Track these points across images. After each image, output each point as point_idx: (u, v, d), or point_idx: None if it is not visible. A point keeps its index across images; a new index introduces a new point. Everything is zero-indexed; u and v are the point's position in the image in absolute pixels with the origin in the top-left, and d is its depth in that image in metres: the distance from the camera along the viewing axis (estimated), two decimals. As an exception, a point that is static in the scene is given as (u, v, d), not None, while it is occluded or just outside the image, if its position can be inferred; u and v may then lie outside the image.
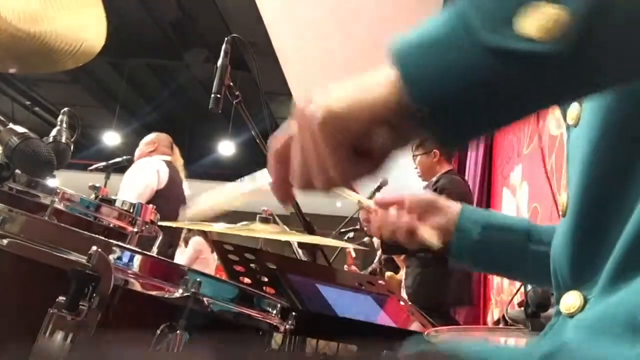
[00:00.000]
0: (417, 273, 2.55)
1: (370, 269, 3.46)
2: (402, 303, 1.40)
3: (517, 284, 1.58)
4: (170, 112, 8.90)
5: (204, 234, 4.29)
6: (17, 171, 0.91)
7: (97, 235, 0.67)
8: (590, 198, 0.51)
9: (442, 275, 2.47)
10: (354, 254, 3.45)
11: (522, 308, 1.04)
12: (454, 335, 0.97)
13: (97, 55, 1.13)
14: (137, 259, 0.67)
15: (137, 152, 3.42)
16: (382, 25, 5.15)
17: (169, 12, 6.72)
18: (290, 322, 0.85)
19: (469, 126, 0.40)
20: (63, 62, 1.10)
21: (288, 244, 2.00)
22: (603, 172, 0.50)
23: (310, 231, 1.63)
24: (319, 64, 6.01)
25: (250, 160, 9.60)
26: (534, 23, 0.34)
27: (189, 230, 4.36)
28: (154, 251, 1.29)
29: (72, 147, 1.10)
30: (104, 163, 3.44)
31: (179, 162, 3.48)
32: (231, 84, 1.55)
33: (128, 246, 0.68)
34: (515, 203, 3.58)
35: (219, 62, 1.54)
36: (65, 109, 1.16)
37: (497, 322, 2.89)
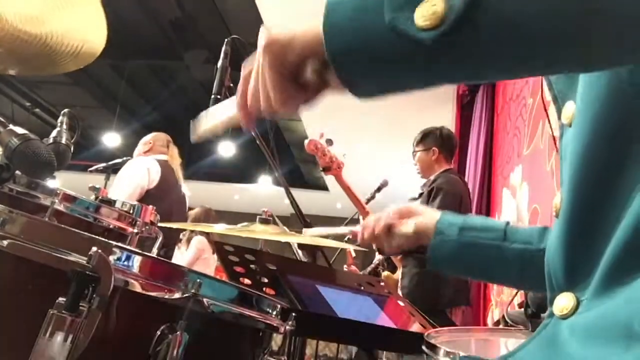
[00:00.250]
0: (414, 273, 2.54)
1: (369, 268, 3.46)
2: (401, 304, 1.40)
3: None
4: (170, 113, 8.90)
5: (207, 233, 4.29)
6: (17, 172, 0.91)
7: (97, 236, 0.67)
8: (582, 200, 0.51)
9: (439, 275, 2.46)
10: (354, 254, 3.44)
11: (522, 309, 1.05)
12: (454, 336, 0.97)
13: (98, 57, 1.13)
14: (137, 259, 0.67)
15: (135, 152, 3.42)
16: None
17: (169, 13, 6.73)
18: (290, 323, 0.85)
19: (368, 84, 0.47)
20: (64, 64, 1.10)
21: (288, 245, 2.00)
22: (594, 173, 0.50)
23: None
24: (319, 64, 6.01)
25: (250, 161, 9.62)
26: (420, 12, 0.41)
27: (192, 230, 4.37)
28: (154, 252, 1.29)
29: (72, 148, 1.10)
30: (103, 164, 3.44)
31: (176, 161, 3.41)
32: (231, 85, 1.56)
33: (128, 247, 0.68)
34: (515, 204, 3.58)
35: (219, 64, 1.55)
36: (66, 110, 1.16)
37: (497, 323, 2.88)
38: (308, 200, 9.85)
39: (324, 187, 10.15)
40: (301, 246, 2.04)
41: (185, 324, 0.66)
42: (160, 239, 1.31)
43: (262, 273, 1.17)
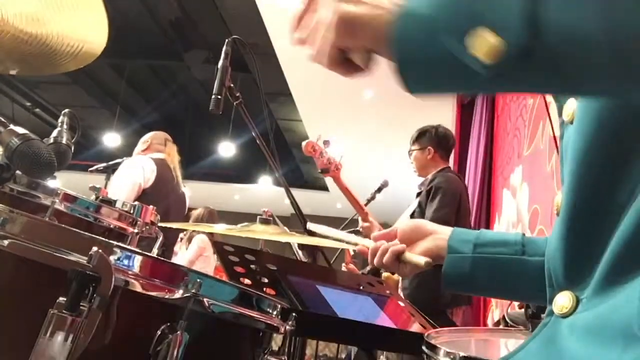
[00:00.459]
0: (415, 274, 2.53)
1: (369, 267, 3.46)
2: (401, 304, 1.40)
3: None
4: (170, 113, 8.91)
5: (209, 232, 4.29)
6: (18, 172, 0.91)
7: (97, 236, 0.67)
8: (583, 197, 0.51)
9: (439, 276, 2.46)
10: (352, 252, 3.44)
11: (523, 309, 1.05)
12: (454, 337, 0.97)
13: (98, 57, 1.13)
14: (138, 259, 0.67)
15: (134, 151, 3.41)
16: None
17: (169, 13, 6.73)
18: (290, 323, 0.85)
19: (424, 86, 0.49)
20: (64, 64, 1.11)
21: (288, 245, 2.01)
22: (596, 170, 0.50)
23: (310, 232, 1.63)
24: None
25: (251, 161, 9.62)
26: (477, 44, 0.42)
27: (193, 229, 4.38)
28: (155, 252, 1.29)
29: (72, 148, 1.10)
30: (104, 164, 3.44)
31: (175, 159, 3.34)
32: (232, 85, 1.56)
33: (128, 247, 0.68)
34: (515, 204, 3.58)
35: (220, 64, 1.55)
36: (66, 110, 1.16)
37: (497, 323, 2.88)
38: (308, 200, 9.85)
39: (324, 187, 10.15)
40: (301, 246, 2.04)
41: (185, 324, 0.66)
42: (160, 239, 1.31)
43: (262, 273, 1.17)
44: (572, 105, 0.56)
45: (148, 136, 3.42)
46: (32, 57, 1.09)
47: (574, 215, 0.52)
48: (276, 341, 0.89)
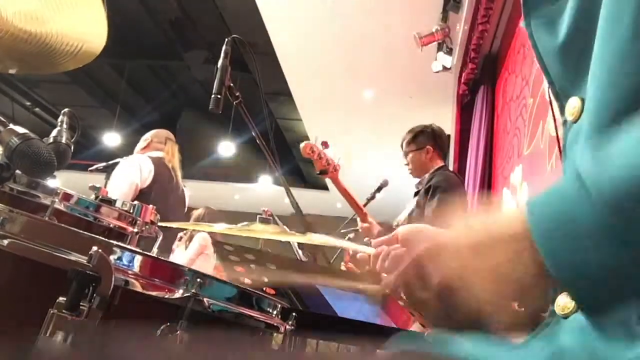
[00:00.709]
0: None
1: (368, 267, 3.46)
2: (401, 304, 1.40)
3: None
4: (170, 113, 8.91)
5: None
6: (18, 172, 0.91)
7: (97, 236, 0.67)
8: None
9: None
10: (351, 252, 3.44)
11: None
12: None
13: (97, 56, 1.13)
14: (138, 259, 0.67)
15: (135, 149, 3.39)
16: (383, 25, 5.16)
17: (169, 13, 6.73)
18: (290, 322, 0.85)
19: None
20: (64, 63, 1.10)
21: (288, 245, 2.01)
22: None
23: (311, 232, 1.63)
24: (319, 64, 6.02)
25: (251, 161, 9.62)
26: None
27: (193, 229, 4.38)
28: (154, 252, 1.29)
29: (72, 148, 1.10)
30: (104, 164, 3.43)
31: (174, 158, 3.30)
32: (231, 84, 1.55)
33: (128, 246, 0.68)
34: (515, 204, 3.58)
35: (219, 63, 1.54)
36: (66, 109, 1.16)
37: (497, 323, 2.88)
38: (308, 200, 9.85)
39: (324, 187, 10.15)
40: (301, 246, 2.04)
41: (185, 324, 0.66)
42: (160, 239, 1.30)
43: (262, 273, 1.17)
44: (574, 104, 0.55)
45: (149, 134, 3.39)
46: (32, 56, 1.09)
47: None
48: (276, 341, 0.89)
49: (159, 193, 3.05)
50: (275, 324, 0.81)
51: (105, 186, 2.91)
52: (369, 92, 6.42)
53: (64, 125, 1.10)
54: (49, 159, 0.82)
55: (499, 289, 0.50)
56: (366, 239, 3.19)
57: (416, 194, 2.69)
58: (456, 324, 0.48)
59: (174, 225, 1.51)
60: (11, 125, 0.83)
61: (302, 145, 2.23)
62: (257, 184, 10.44)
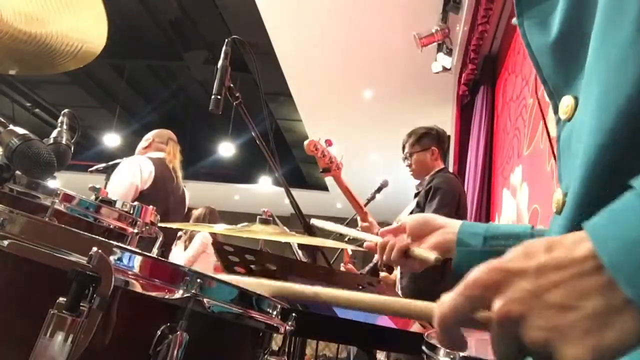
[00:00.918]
0: (412, 273, 2.54)
1: (367, 268, 3.46)
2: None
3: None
4: (170, 113, 8.91)
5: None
6: (18, 172, 0.91)
7: (97, 236, 0.67)
8: (595, 194, 0.49)
9: (437, 275, 2.46)
10: (350, 252, 3.44)
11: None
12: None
13: (97, 57, 1.13)
14: (138, 260, 0.67)
15: (137, 149, 3.38)
16: (383, 26, 5.16)
17: (169, 13, 6.74)
18: (290, 323, 0.85)
19: None
20: (64, 63, 1.10)
21: (288, 245, 2.01)
22: (610, 167, 0.48)
23: (311, 232, 1.63)
24: (319, 64, 6.02)
25: (251, 161, 9.63)
26: None
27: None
28: (155, 252, 1.29)
29: (72, 149, 1.10)
30: (103, 164, 3.43)
31: (175, 159, 3.29)
32: (231, 85, 1.55)
33: (128, 247, 0.68)
34: (515, 204, 3.58)
35: (219, 64, 1.55)
36: (66, 110, 1.16)
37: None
38: (308, 200, 9.85)
39: (324, 187, 10.15)
40: (301, 246, 2.04)
41: (185, 324, 0.66)
42: (160, 239, 1.31)
43: (262, 273, 1.17)
44: (567, 102, 0.54)
45: (151, 134, 3.38)
46: (32, 57, 1.09)
47: (582, 211, 0.49)
48: (276, 341, 0.89)
49: (159, 194, 3.04)
50: (275, 325, 0.81)
51: (105, 187, 2.91)
52: (368, 93, 6.43)
53: (64, 126, 1.11)
54: (49, 160, 0.82)
55: None
56: (376, 229, 3.20)
57: (416, 195, 2.69)
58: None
59: (174, 225, 1.51)
60: (11, 126, 0.83)
61: (306, 142, 2.24)
62: (257, 184, 10.45)
